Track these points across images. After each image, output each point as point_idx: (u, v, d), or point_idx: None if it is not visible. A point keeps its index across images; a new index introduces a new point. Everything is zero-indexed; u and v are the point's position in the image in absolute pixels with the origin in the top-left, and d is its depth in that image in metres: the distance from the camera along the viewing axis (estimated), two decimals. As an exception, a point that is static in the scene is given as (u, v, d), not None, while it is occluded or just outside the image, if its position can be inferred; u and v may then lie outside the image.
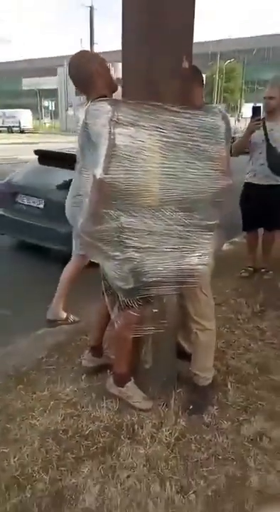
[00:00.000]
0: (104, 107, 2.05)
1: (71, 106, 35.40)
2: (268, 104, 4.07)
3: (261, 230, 4.48)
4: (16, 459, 2.08)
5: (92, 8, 28.47)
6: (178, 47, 2.14)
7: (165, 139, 2.04)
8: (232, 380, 2.73)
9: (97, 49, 30.27)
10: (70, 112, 35.07)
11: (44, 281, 3.96)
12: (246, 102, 36.94)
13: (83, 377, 2.68)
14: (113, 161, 2.00)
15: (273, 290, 4.09)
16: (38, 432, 2.24)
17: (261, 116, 3.90)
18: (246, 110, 25.65)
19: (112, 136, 1.99)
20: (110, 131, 1.99)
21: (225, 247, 5.09)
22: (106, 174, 2.00)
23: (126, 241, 2.14)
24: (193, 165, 2.11)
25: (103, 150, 2.00)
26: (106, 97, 2.21)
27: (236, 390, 2.66)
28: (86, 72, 2.27)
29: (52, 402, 2.45)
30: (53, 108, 38.21)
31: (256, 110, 3.85)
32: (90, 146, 2.14)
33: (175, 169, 2.09)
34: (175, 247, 2.20)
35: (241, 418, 2.43)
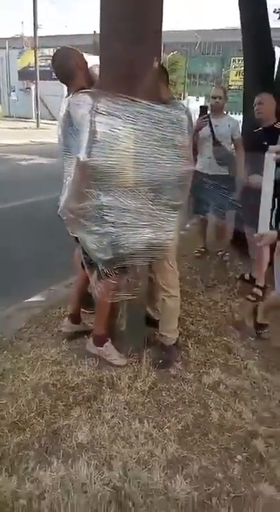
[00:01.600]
0: (86, 98, 2.36)
1: (14, 91, 34.35)
2: (216, 104, 4.54)
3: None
4: (14, 408, 2.37)
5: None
6: (149, 49, 2.47)
7: (138, 128, 2.39)
8: (192, 342, 3.16)
9: (40, 32, 29.67)
10: (13, 96, 34.03)
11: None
12: (190, 95, 37.71)
13: (64, 342, 3.00)
14: (94, 146, 2.33)
15: (223, 267, 4.59)
16: (29, 386, 2.55)
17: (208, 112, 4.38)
18: (191, 104, 26.11)
19: (93, 124, 2.31)
20: (91, 119, 2.32)
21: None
22: (88, 157, 2.33)
23: (105, 217, 2.48)
24: (161, 151, 2.46)
25: (85, 136, 2.32)
26: (85, 89, 2.51)
27: (196, 349, 3.09)
28: (68, 67, 2.56)
29: (38, 362, 2.75)
30: (-6, 92, 36.91)
31: (203, 109, 4.32)
32: (73, 133, 2.44)
33: (146, 155, 2.43)
34: (147, 223, 2.55)
35: (201, 371, 2.86)
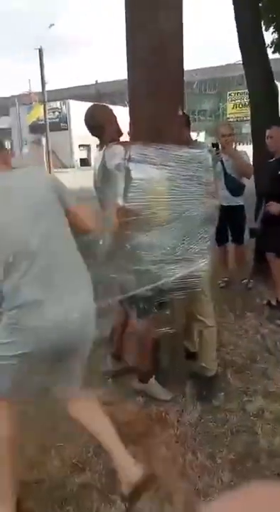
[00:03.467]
0: (119, 149, 2.58)
1: (26, 144, 35.65)
2: (225, 141, 4.79)
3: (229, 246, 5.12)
4: (71, 449, 2.46)
5: (41, 50, 29.20)
6: (174, 100, 2.72)
7: (169, 171, 2.59)
8: (230, 371, 3.24)
9: (48, 87, 31.03)
10: (25, 149, 35.28)
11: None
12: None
13: (109, 381, 3.10)
14: (130, 191, 2.52)
15: (248, 295, 4.69)
16: (83, 427, 2.63)
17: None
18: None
19: (128, 171, 2.52)
20: (125, 167, 2.52)
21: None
22: (125, 202, 2.52)
23: (143, 256, 2.64)
24: (191, 189, 2.66)
25: (121, 183, 2.52)
26: (115, 140, 2.73)
27: (235, 378, 3.17)
28: (100, 122, 2.78)
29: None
30: (9, 146, 38.38)
31: (215, 146, 4.57)
32: (110, 181, 2.64)
33: (177, 193, 2.62)
34: (182, 257, 2.71)
35: (243, 399, 2.93)
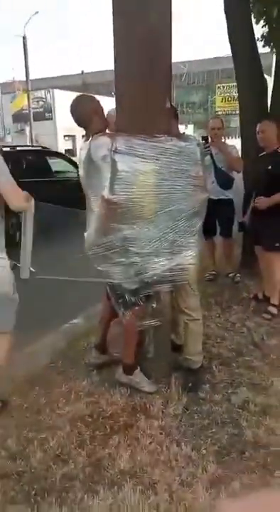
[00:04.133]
0: (104, 140, 2.54)
1: (9, 133, 35.19)
2: (215, 134, 4.79)
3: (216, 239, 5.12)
4: (54, 441, 2.44)
5: (25, 38, 28.78)
6: (162, 92, 2.67)
7: (156, 163, 2.55)
8: (215, 364, 3.24)
9: (32, 76, 30.68)
10: (9, 138, 34.79)
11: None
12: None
13: (94, 373, 3.08)
14: (116, 183, 2.48)
15: (235, 289, 4.70)
16: (66, 418, 2.62)
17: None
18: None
19: (114, 163, 2.48)
20: (112, 158, 2.48)
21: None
22: (111, 194, 2.48)
23: (130, 248, 2.62)
24: (178, 182, 2.62)
25: (107, 175, 2.48)
26: (102, 131, 2.69)
27: (220, 370, 3.17)
28: (86, 113, 2.73)
29: (72, 395, 2.83)
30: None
31: (205, 139, 4.54)
32: (95, 173, 2.60)
33: (164, 186, 2.59)
34: (168, 250, 2.69)
35: (229, 391, 2.93)
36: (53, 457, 2.34)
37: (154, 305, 2.82)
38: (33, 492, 2.11)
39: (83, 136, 2.83)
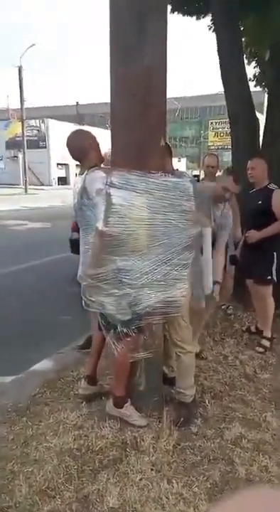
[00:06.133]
0: (100, 174, 2.57)
1: (1, 159, 35.53)
2: (210, 172, 4.87)
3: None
4: (41, 475, 2.35)
5: (20, 68, 29.46)
6: (157, 129, 2.72)
7: (150, 198, 2.58)
8: (208, 398, 3.18)
9: (26, 104, 31.23)
10: (1, 165, 35.12)
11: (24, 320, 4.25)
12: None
13: (83, 405, 3.00)
14: (110, 216, 2.49)
15: (228, 321, 4.68)
16: (54, 452, 2.53)
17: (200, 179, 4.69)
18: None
19: (109, 197, 2.49)
20: (107, 192, 2.50)
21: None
22: (105, 226, 2.48)
23: (123, 280, 2.61)
24: (171, 216, 2.65)
25: (102, 207, 2.50)
26: (97, 166, 2.72)
27: (213, 404, 3.11)
28: (82, 147, 2.77)
29: (60, 427, 2.75)
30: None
31: (196, 177, 4.63)
32: (90, 206, 2.62)
33: (158, 220, 2.61)
34: (161, 282, 2.68)
35: (221, 426, 2.87)
36: (39, 492, 2.25)
37: (146, 337, 2.78)
38: (18, 529, 2.02)
39: (76, 165, 2.87)
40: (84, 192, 2.64)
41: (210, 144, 44.98)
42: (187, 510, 2.17)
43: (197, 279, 2.97)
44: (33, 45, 30.29)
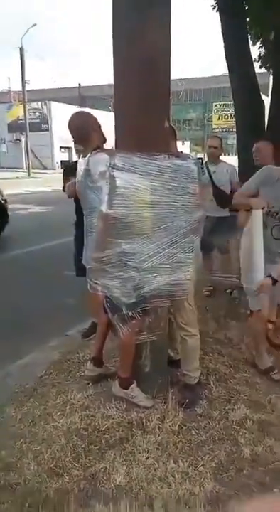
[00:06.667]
0: (103, 156, 2.55)
1: (4, 142, 35.29)
2: (212, 153, 4.85)
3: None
4: (49, 454, 2.39)
5: (22, 49, 29.09)
6: (161, 111, 2.70)
7: (154, 180, 2.56)
8: (213, 380, 3.20)
9: (28, 87, 30.94)
10: (3, 148, 34.90)
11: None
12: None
13: (89, 386, 3.04)
14: (114, 199, 2.48)
15: (233, 304, 4.69)
16: (61, 431, 2.57)
17: (204, 161, 4.66)
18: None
19: (112, 179, 2.48)
20: (110, 175, 2.48)
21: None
22: (110, 209, 2.48)
23: (128, 263, 2.61)
24: (176, 200, 2.63)
25: (106, 190, 2.48)
26: (99, 148, 2.70)
27: (218, 386, 3.13)
28: (84, 129, 2.76)
29: (67, 408, 2.78)
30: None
31: (200, 159, 4.60)
32: (94, 188, 2.60)
33: (163, 203, 2.60)
34: (166, 265, 2.68)
35: (227, 408, 2.89)
36: (47, 470, 2.29)
37: (151, 320, 2.79)
38: (27, 505, 2.06)
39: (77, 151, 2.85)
40: (87, 174, 2.63)
41: (214, 126, 44.57)
42: (193, 489, 2.20)
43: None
44: (35, 25, 29.85)
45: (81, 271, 3.66)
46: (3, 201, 8.41)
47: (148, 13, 2.53)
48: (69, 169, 3.69)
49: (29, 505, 2.07)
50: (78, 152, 3.50)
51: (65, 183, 3.67)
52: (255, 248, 2.92)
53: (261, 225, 2.93)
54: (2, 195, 8.46)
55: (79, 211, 3.65)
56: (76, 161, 3.92)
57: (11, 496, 2.13)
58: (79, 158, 3.70)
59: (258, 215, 2.94)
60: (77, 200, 3.54)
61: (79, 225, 3.67)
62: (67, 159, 36.16)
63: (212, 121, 45.78)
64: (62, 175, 3.88)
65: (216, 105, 45.62)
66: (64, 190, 3.72)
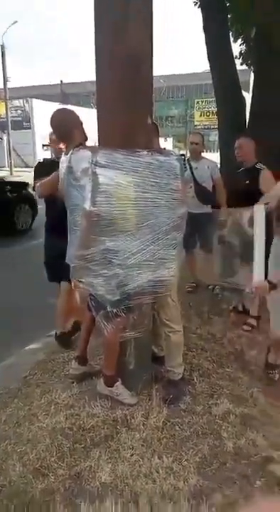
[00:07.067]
0: (85, 153, 2.54)
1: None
2: (194, 149, 4.88)
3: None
4: (34, 454, 2.40)
5: (3, 47, 28.71)
6: (144, 108, 2.71)
7: (136, 177, 2.57)
8: (196, 375, 3.25)
9: (11, 85, 30.57)
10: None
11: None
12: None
13: (74, 385, 3.05)
14: (97, 196, 2.49)
15: (215, 300, 4.75)
16: (46, 431, 2.58)
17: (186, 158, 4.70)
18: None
19: (95, 176, 2.48)
20: (92, 171, 2.49)
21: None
22: (93, 206, 2.48)
23: (112, 260, 2.62)
24: (158, 195, 2.65)
25: (89, 187, 2.49)
26: (82, 145, 2.71)
27: (201, 381, 3.17)
28: (66, 126, 2.75)
29: (52, 407, 2.79)
30: None
31: (182, 156, 4.64)
32: (76, 186, 2.60)
33: (145, 199, 2.61)
34: (150, 262, 2.70)
35: (210, 402, 2.94)
36: (33, 470, 2.30)
37: (135, 317, 2.81)
38: (13, 506, 2.07)
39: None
40: (69, 172, 2.63)
41: (196, 123, 44.70)
42: (178, 484, 2.24)
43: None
44: (16, 22, 29.49)
45: (53, 276, 3.67)
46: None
47: (130, 7, 2.54)
48: (41, 168, 3.62)
49: (15, 506, 2.08)
50: (53, 147, 3.50)
51: (35, 182, 3.50)
52: (256, 246, 2.77)
53: (263, 222, 2.79)
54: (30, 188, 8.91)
55: (49, 213, 3.61)
56: (50, 159, 3.92)
57: (-4, 498, 2.14)
58: (52, 156, 3.67)
59: (260, 211, 2.82)
60: (48, 201, 3.52)
61: (49, 228, 3.64)
62: (49, 157, 35.82)
63: (194, 117, 45.91)
64: (33, 173, 3.70)
65: (198, 102, 45.75)
66: (34, 189, 3.62)
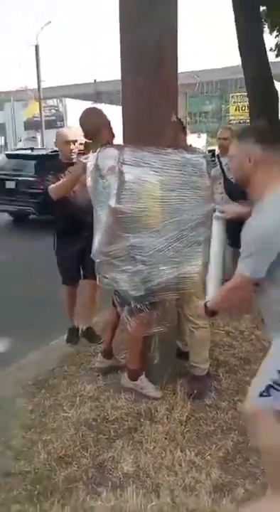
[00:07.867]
0: (112, 152, 2.59)
1: (20, 140, 35.63)
2: (223, 144, 4.83)
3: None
4: (58, 443, 2.46)
5: (37, 47, 29.21)
6: (169, 106, 2.73)
7: (162, 175, 2.58)
8: (222, 371, 3.23)
9: (45, 85, 31.10)
10: (20, 145, 35.22)
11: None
12: (191, 132, 38.75)
13: (99, 377, 3.10)
14: (123, 193, 2.52)
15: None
16: (71, 422, 2.64)
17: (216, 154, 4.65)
18: (192, 141, 27.00)
19: (121, 174, 2.52)
20: (119, 169, 2.52)
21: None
22: (118, 203, 2.52)
23: (136, 256, 2.65)
24: (184, 194, 2.65)
25: (114, 185, 2.52)
26: (109, 143, 2.74)
27: (227, 378, 3.15)
28: (95, 125, 2.81)
29: (77, 399, 2.85)
30: (2, 143, 38.28)
31: (212, 152, 4.60)
32: (103, 183, 2.65)
33: (171, 197, 2.62)
34: (174, 259, 2.71)
35: (235, 399, 2.91)
36: (57, 458, 2.36)
37: (159, 312, 2.83)
38: (36, 492, 2.14)
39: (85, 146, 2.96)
40: (96, 169, 2.68)
41: (231, 117, 44.05)
42: (199, 477, 2.24)
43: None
44: (50, 22, 29.99)
45: (70, 279, 3.70)
46: None
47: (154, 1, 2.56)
48: (56, 168, 3.52)
49: (38, 492, 2.14)
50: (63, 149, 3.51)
51: (48, 183, 3.31)
52: (213, 258, 2.40)
53: (222, 233, 2.41)
54: None
55: (60, 215, 3.49)
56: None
57: (21, 484, 2.21)
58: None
59: (218, 221, 2.38)
60: (58, 203, 3.32)
61: (61, 231, 3.56)
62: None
63: (229, 112, 45.27)
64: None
65: (233, 96, 45.07)
66: (47, 191, 3.31)
